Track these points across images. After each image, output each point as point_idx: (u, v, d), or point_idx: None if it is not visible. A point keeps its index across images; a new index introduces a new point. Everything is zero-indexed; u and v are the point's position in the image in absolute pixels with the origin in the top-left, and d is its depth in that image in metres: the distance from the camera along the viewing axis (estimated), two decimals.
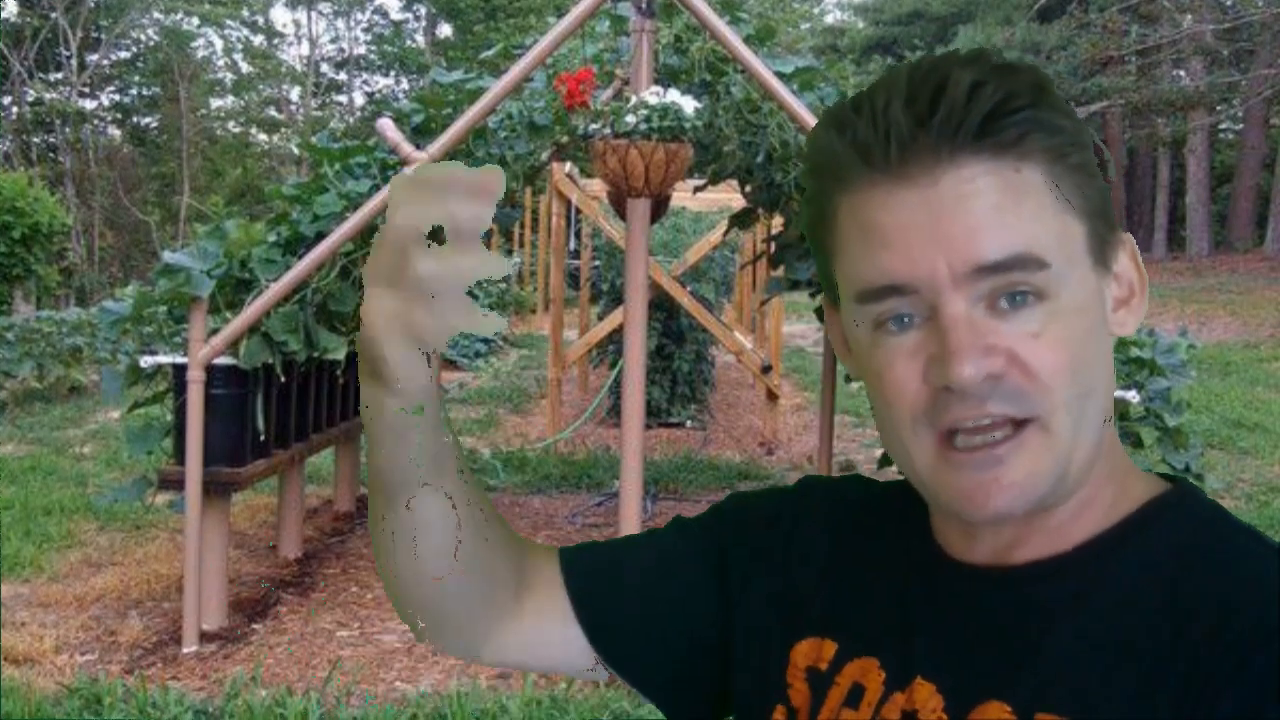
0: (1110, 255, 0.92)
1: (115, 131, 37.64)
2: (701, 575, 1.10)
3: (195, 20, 37.71)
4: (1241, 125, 33.22)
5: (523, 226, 22.69)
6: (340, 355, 5.94)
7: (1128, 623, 0.86)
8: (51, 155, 31.88)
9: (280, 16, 68.54)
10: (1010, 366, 0.85)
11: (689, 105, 5.22)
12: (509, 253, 23.71)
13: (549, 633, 1.10)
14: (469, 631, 1.08)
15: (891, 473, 0.99)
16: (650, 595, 1.11)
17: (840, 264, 0.92)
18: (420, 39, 43.59)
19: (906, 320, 0.87)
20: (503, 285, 21.17)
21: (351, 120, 39.34)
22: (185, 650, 5.43)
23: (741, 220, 7.54)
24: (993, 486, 0.86)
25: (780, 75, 5.50)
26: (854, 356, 0.95)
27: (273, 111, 42.78)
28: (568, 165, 11.41)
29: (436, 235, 0.83)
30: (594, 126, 5.38)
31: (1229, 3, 28.63)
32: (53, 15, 30.09)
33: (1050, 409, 0.85)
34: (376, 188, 5.61)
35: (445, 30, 43.05)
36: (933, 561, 0.98)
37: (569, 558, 1.12)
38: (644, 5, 5.35)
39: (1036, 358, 0.85)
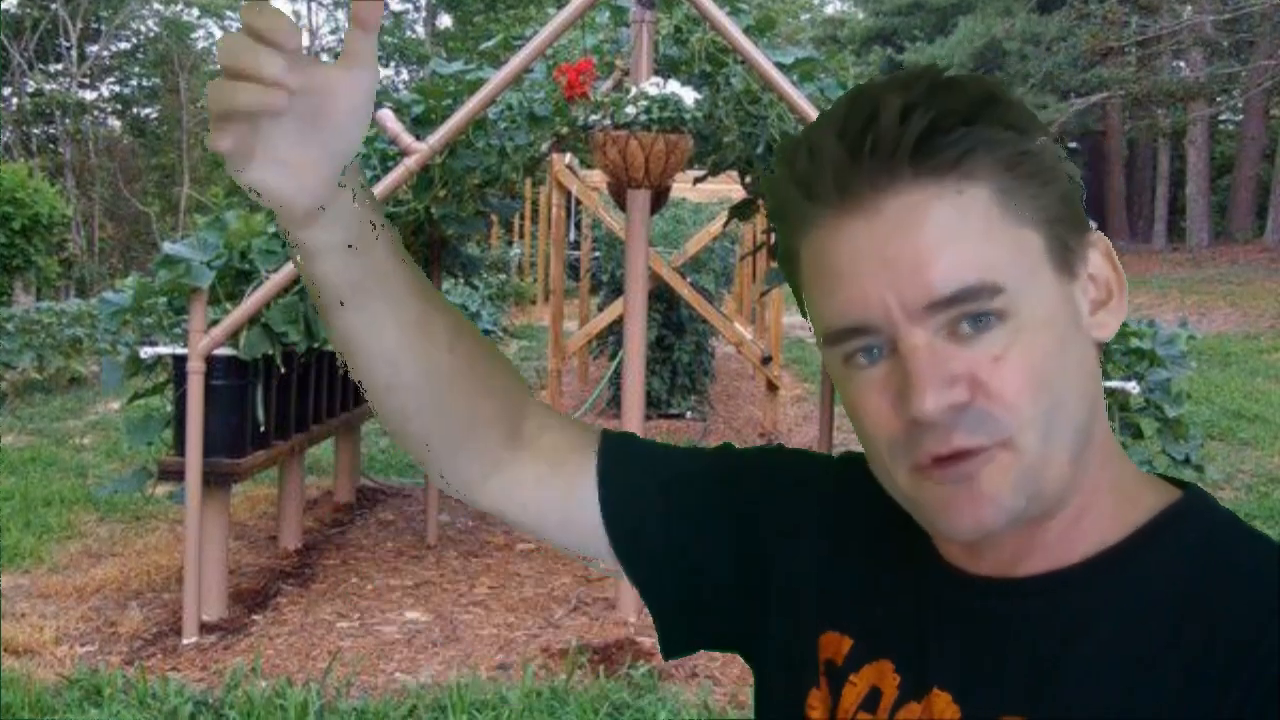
0: (1076, 260, 0.90)
1: (115, 123, 37.57)
2: (734, 509, 1.10)
3: (195, 11, 37.62)
4: (1241, 116, 33.18)
5: (523, 218, 22.70)
6: None
7: (1149, 637, 0.85)
8: (51, 146, 31.81)
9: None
10: (974, 392, 0.84)
11: (689, 96, 5.21)
12: (509, 244, 23.72)
13: (562, 497, 1.11)
14: (461, 463, 1.08)
15: None
16: (679, 506, 1.11)
17: (808, 305, 0.92)
18: (420, 30, 43.49)
19: (876, 352, 0.87)
20: (503, 276, 21.16)
21: None
22: (185, 641, 5.44)
23: (741, 211, 7.54)
24: (966, 502, 0.85)
25: (780, 66, 5.49)
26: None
27: None
28: (568, 156, 11.41)
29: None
30: (594, 117, 5.38)
31: None
32: (53, 6, 30.02)
33: (1017, 428, 0.84)
34: (376, 178, 5.60)
35: (445, 21, 42.95)
36: (939, 571, 0.97)
37: (608, 436, 1.14)
38: None
39: (999, 380, 0.84)
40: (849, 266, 0.86)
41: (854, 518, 1.06)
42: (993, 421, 0.84)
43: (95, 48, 34.12)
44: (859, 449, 0.99)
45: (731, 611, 1.10)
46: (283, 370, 5.86)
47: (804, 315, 0.96)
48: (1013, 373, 0.84)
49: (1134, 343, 5.49)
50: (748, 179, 6.88)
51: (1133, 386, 5.37)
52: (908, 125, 0.83)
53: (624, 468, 1.12)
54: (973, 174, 0.84)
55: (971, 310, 0.84)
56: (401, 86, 38.73)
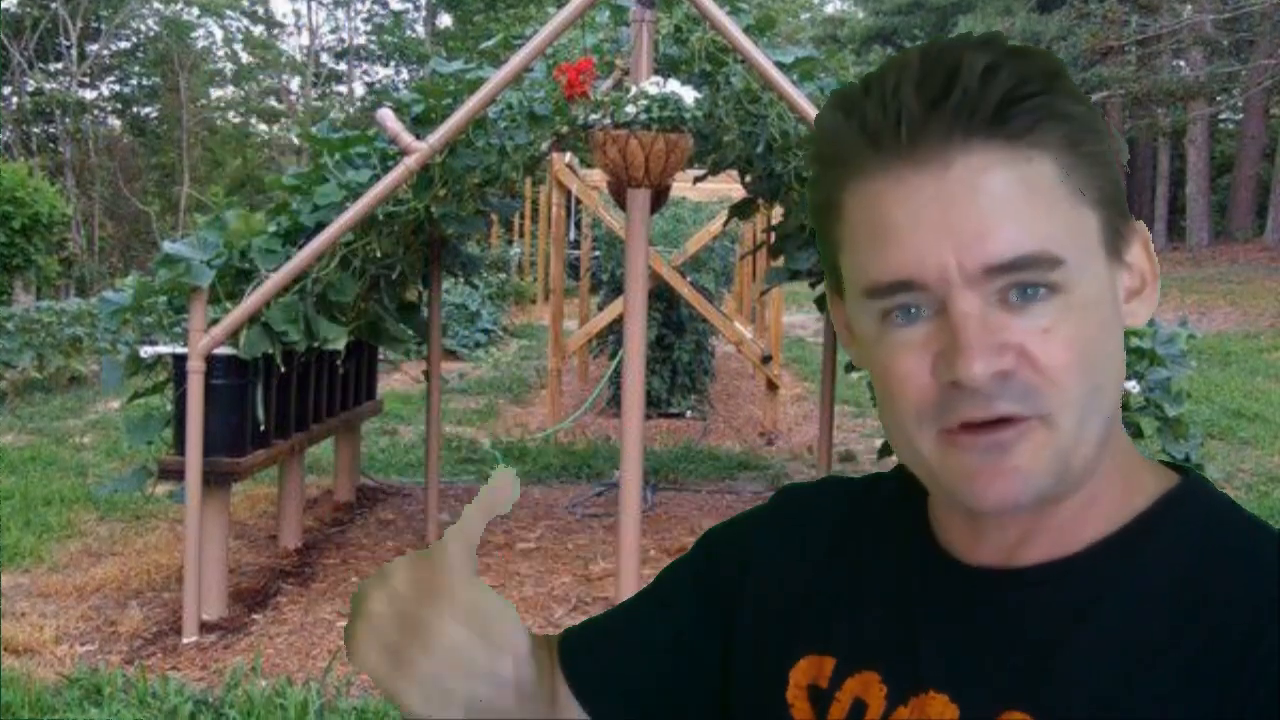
0: (1123, 245, 0.90)
1: (115, 122, 37.56)
2: (702, 628, 1.07)
3: (195, 10, 37.67)
4: (1241, 115, 33.18)
5: (523, 217, 22.70)
6: (340, 345, 5.94)
7: (1149, 625, 0.85)
8: (51, 145, 31.80)
9: (280, 6, 68.74)
10: (1020, 363, 0.83)
11: (689, 95, 5.21)
12: (509, 243, 23.73)
13: None
14: None
15: (891, 463, 0.97)
16: (658, 672, 1.08)
17: (847, 256, 0.90)
18: (420, 29, 43.48)
19: (914, 312, 0.85)
20: (503, 276, 21.17)
21: (351, 110, 39.22)
22: (185, 640, 5.44)
23: (741, 210, 7.54)
24: (995, 474, 0.84)
25: (780, 65, 5.49)
26: (858, 345, 0.93)
27: (273, 102, 42.74)
28: (568, 155, 11.41)
29: None
30: (594, 117, 5.38)
31: None
32: (52, 5, 30.01)
33: (1059, 406, 0.83)
34: (376, 177, 5.61)
35: (445, 20, 42.94)
36: (934, 563, 0.95)
37: (564, 656, 1.09)
38: None
39: (1047, 354, 0.83)
40: (908, 220, 0.84)
41: (815, 539, 1.05)
42: (1036, 394, 0.83)
43: (95, 47, 34.13)
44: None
45: (718, 685, 1.07)
46: (283, 369, 5.85)
47: (824, 265, 0.95)
48: (1061, 348, 0.83)
49: (1134, 342, 5.48)
50: (748, 178, 6.88)
51: (1133, 386, 5.36)
52: (989, 86, 0.83)
53: (593, 671, 1.08)
54: (1043, 144, 0.84)
55: (1028, 279, 0.83)
56: (401, 86, 38.74)
